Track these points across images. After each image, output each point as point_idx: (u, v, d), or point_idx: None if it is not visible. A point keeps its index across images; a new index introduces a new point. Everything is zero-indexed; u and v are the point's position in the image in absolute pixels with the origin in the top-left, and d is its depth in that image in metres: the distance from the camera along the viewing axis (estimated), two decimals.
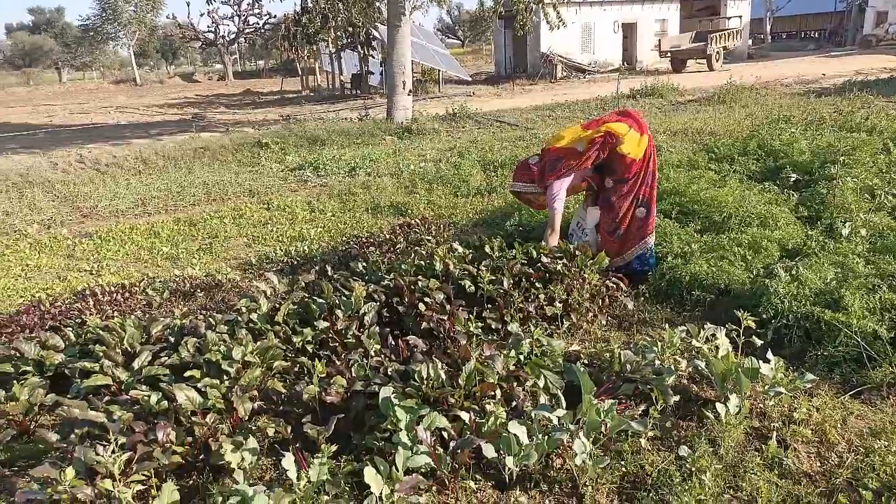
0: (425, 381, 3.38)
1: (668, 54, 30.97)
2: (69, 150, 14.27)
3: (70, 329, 4.50)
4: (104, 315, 4.98)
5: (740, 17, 36.78)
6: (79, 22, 60.56)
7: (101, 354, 3.86)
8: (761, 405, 3.53)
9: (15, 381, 3.74)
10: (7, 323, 4.97)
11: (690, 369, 3.84)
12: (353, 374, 3.58)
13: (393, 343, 4.01)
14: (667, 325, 4.28)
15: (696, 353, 3.91)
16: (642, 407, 3.51)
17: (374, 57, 26.97)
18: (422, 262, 5.13)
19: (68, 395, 3.70)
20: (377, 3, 21.86)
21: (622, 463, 3.12)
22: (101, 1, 53.44)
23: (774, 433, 3.29)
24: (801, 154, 8.07)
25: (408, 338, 4.01)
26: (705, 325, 3.94)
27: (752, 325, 3.83)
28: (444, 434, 3.14)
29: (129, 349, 4.01)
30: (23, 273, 6.58)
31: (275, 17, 47.05)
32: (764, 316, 4.28)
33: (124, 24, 54.01)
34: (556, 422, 3.11)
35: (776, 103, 14.63)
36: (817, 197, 6.52)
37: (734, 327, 3.85)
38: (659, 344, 3.87)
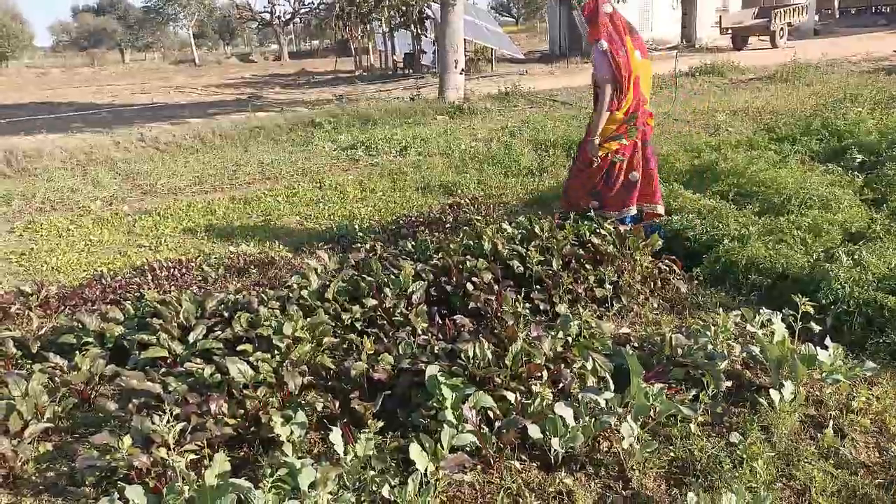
0: (472, 361, 3.38)
1: (729, 31, 29.99)
2: (131, 129, 14.66)
3: (129, 302, 4.65)
4: (162, 289, 5.12)
5: None
6: (141, 4, 61.97)
7: (158, 327, 3.99)
8: (818, 393, 3.43)
9: (77, 352, 3.89)
10: (71, 296, 5.16)
11: (744, 355, 3.75)
12: (401, 352, 3.61)
13: (440, 322, 4.03)
14: (721, 310, 4.17)
15: (751, 339, 3.81)
16: (693, 392, 3.44)
17: (426, 36, 26.87)
18: (470, 242, 5.12)
19: (127, 367, 3.83)
20: None
21: (671, 448, 3.08)
22: None
23: (831, 422, 3.19)
24: (868, 134, 7.75)
25: (455, 317, 4.02)
26: (761, 310, 3.84)
27: (811, 310, 3.71)
28: (490, 414, 3.14)
29: (184, 323, 4.13)
30: (86, 248, 6.81)
31: None
32: (823, 301, 4.13)
33: (184, 6, 55.20)
34: (603, 404, 3.08)
35: (842, 82, 14.05)
36: (884, 179, 6.26)
37: (791, 313, 3.74)
38: (712, 328, 3.79)
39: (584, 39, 5.68)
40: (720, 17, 31.10)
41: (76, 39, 72.34)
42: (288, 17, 52.34)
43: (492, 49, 27.57)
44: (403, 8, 25.16)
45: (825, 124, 8.48)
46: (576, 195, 5.66)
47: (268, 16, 51.39)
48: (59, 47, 76.76)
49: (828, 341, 3.57)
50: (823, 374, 3.39)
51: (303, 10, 51.85)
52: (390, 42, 29.26)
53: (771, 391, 3.28)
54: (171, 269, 5.64)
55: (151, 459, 2.72)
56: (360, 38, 31.28)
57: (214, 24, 67.21)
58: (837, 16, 44.76)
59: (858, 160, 7.06)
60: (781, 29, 29.03)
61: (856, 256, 4.52)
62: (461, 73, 16.54)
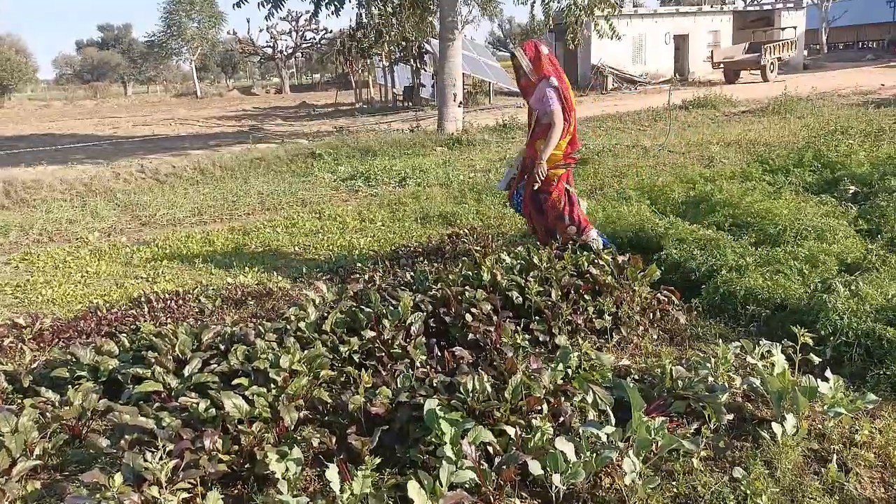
0: (471, 394, 3.34)
1: (721, 65, 30.41)
2: (131, 161, 14.72)
3: (125, 335, 4.60)
4: (158, 322, 5.08)
5: (795, 27, 35.86)
6: (144, 38, 62.72)
7: (153, 361, 3.93)
8: (820, 426, 3.38)
9: (70, 386, 3.84)
10: (65, 328, 5.12)
11: (745, 387, 3.71)
12: (399, 385, 3.56)
13: (439, 354, 3.99)
14: (720, 341, 4.15)
15: (751, 370, 3.78)
16: (695, 425, 3.40)
17: (426, 70, 27.20)
18: (469, 273, 5.09)
19: (120, 401, 3.76)
20: (430, 19, 22.02)
21: (673, 483, 3.02)
22: (166, 18, 55.41)
23: (834, 456, 3.14)
24: (860, 166, 7.81)
25: (454, 349, 3.98)
26: (760, 341, 3.81)
27: (810, 341, 3.69)
28: (490, 449, 3.09)
29: (180, 356, 4.07)
30: (82, 279, 6.78)
31: (331, 32, 47.99)
32: (822, 332, 4.11)
33: (187, 40, 55.90)
34: (604, 439, 3.03)
35: (833, 114, 14.18)
36: (877, 210, 6.29)
37: (790, 344, 3.71)
38: (712, 360, 3.76)
39: (527, 77, 6.09)
40: (712, 51, 31.62)
41: (79, 72, 73.06)
42: (290, 51, 52.99)
43: (489, 83, 27.88)
44: (403, 43, 25.46)
45: (817, 156, 8.54)
46: (554, 224, 5.85)
47: (270, 50, 51.98)
48: (62, 80, 77.45)
49: (828, 373, 3.53)
50: (825, 407, 3.35)
51: (304, 45, 52.58)
52: (390, 76, 29.56)
53: (773, 424, 3.23)
54: (168, 301, 5.61)
55: (143, 498, 2.64)
56: (360, 71, 31.64)
57: (217, 57, 67.98)
58: (826, 50, 45.49)
59: (851, 191, 7.11)
60: (772, 63, 29.51)
61: (853, 287, 4.50)
62: (460, 106, 16.71)
